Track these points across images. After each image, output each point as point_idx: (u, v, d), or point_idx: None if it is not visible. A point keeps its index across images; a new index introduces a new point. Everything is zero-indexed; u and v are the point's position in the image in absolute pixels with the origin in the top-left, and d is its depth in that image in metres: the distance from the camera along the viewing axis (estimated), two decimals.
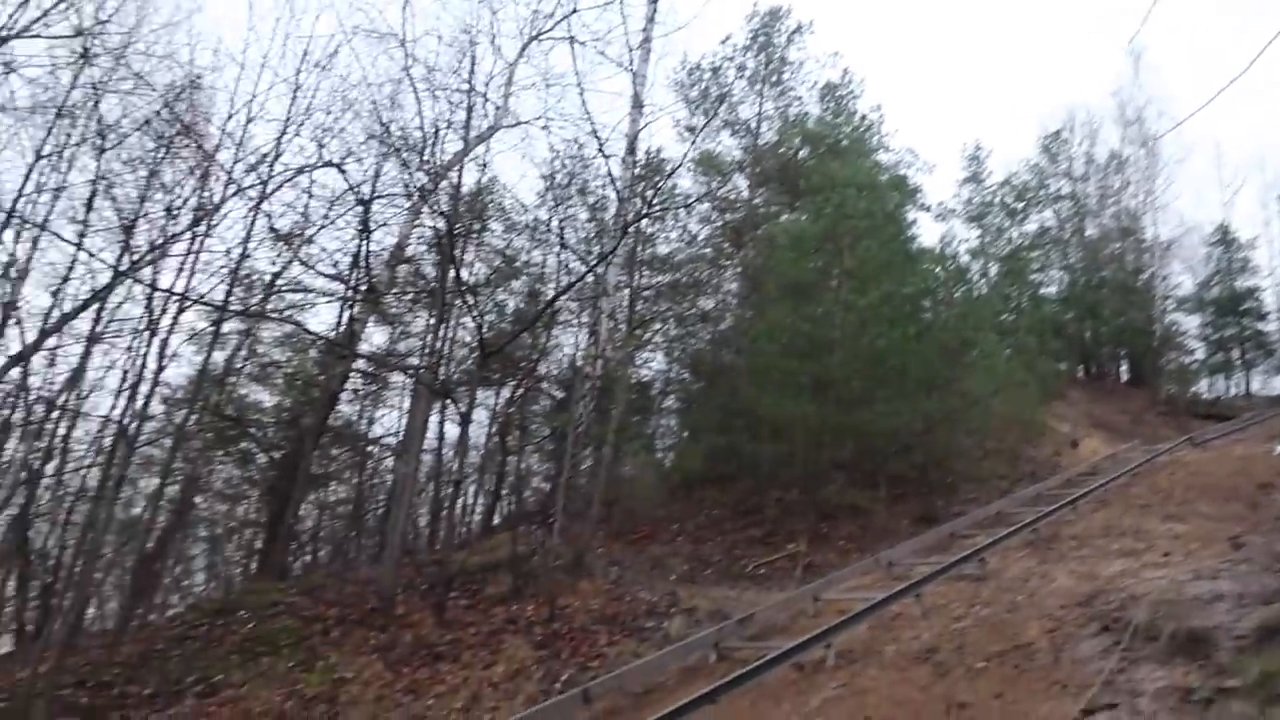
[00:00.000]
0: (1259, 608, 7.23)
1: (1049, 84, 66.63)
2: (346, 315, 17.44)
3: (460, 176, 15.90)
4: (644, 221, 17.93)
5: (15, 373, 12.91)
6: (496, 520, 19.14)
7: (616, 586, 12.61)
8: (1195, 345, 38.68)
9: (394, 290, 18.49)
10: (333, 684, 9.80)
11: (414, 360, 18.63)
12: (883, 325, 16.60)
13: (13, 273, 12.71)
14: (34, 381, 13.65)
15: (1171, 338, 36.44)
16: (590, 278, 16.45)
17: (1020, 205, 35.82)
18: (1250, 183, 60.77)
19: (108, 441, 13.17)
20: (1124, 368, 36.21)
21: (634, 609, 11.75)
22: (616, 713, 8.64)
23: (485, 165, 18.33)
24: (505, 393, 20.05)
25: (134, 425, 12.12)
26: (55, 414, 13.70)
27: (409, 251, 18.08)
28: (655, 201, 17.12)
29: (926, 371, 17.12)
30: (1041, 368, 23.79)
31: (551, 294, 17.32)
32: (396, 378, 19.33)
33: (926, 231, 60.48)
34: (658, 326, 21.39)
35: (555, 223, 19.29)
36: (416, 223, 17.45)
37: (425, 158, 13.72)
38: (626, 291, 18.81)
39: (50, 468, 14.17)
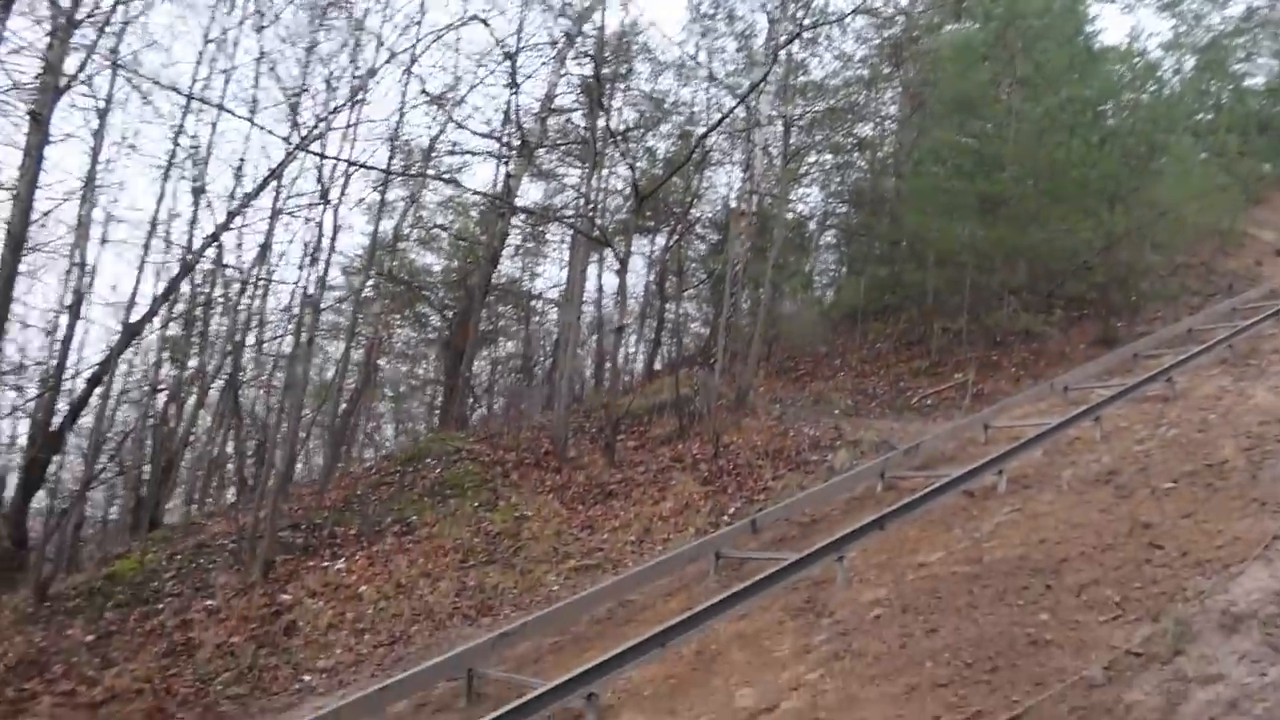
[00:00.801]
0: None
1: None
2: (502, 173, 17.72)
3: (603, 18, 15.51)
4: (796, 45, 17.02)
5: (211, 252, 13.98)
6: (658, 365, 19.58)
7: (779, 422, 12.75)
8: None
9: (546, 143, 18.56)
10: (514, 520, 10.55)
11: (570, 212, 18.84)
12: (1061, 134, 15.31)
13: (199, 155, 13.57)
14: (228, 259, 14.78)
15: None
16: (741, 111, 15.90)
17: None
18: None
19: (297, 310, 14.20)
20: None
21: (798, 443, 11.88)
22: (784, 540, 8.90)
23: (627, 4, 17.79)
24: (661, 239, 20.09)
25: (318, 293, 12.96)
26: (249, 287, 14.82)
27: (558, 103, 18.01)
28: (807, 22, 16.16)
29: (1110, 183, 15.78)
30: (1243, 169, 21.52)
31: (702, 132, 16.91)
32: (555, 231, 19.68)
33: (1111, 26, 54.80)
34: (814, 158, 20.61)
35: (703, 55, 18.63)
36: (564, 72, 17.28)
37: (568, 1, 13.44)
38: (780, 123, 18.07)
39: (250, 338, 15.48)
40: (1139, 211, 16.48)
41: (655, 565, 8.40)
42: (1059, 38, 16.47)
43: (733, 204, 18.61)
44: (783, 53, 16.21)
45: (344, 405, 16.45)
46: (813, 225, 21.94)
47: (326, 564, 9.91)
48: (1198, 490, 7.47)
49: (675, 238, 19.35)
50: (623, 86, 18.89)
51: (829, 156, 20.81)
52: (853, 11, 18.65)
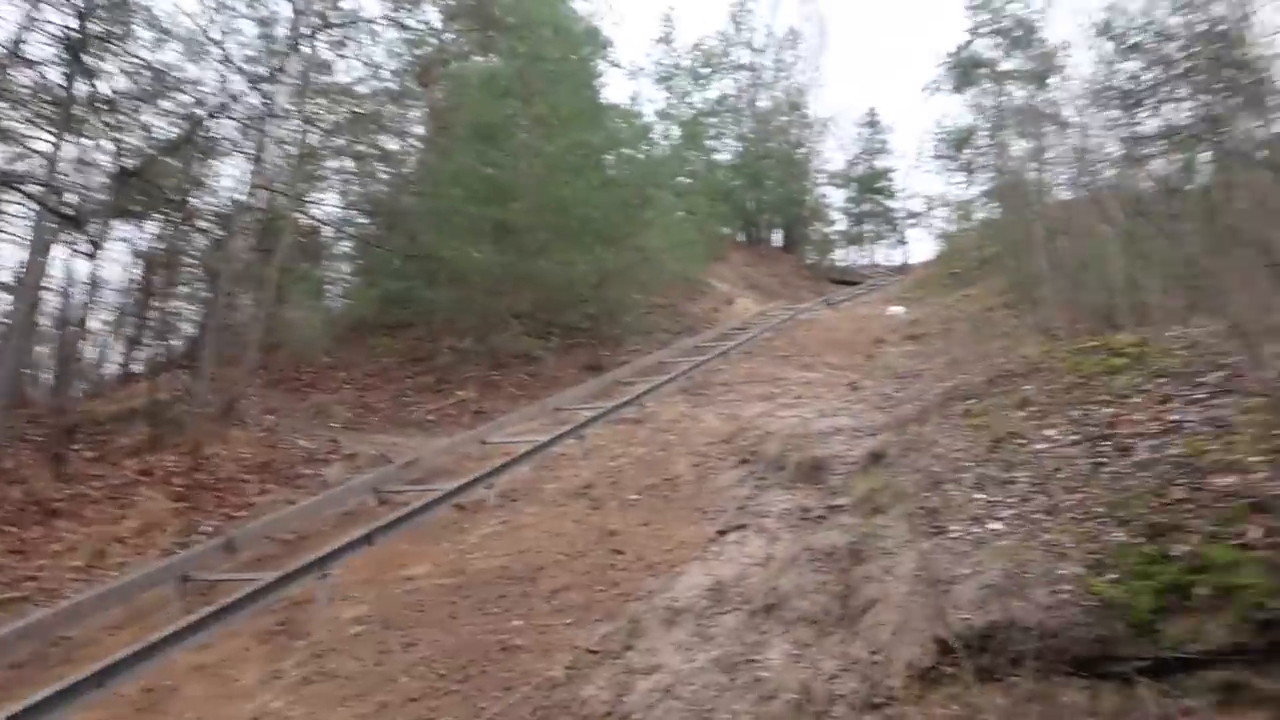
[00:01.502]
0: (867, 439, 8.26)
1: None
2: None
3: None
4: (322, 46, 16.23)
5: None
6: (139, 368, 17.27)
7: (271, 434, 11.92)
8: (837, 217, 43.15)
9: (6, 96, 15.43)
10: None
11: (34, 182, 15.85)
12: (568, 174, 16.58)
13: None
14: None
15: (819, 209, 40.29)
16: (256, 99, 14.71)
17: (706, 71, 37.12)
18: (899, 75, 67.71)
19: None
20: (778, 234, 39.39)
21: (290, 457, 11.20)
22: (264, 560, 8.25)
23: None
24: (154, 227, 17.79)
25: None
26: None
27: (30, 53, 15.08)
28: (334, 20, 15.52)
29: (606, 224, 17.45)
30: (709, 230, 25.25)
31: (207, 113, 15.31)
32: (14, 203, 16.41)
33: (616, 88, 61.10)
34: (334, 163, 19.85)
35: (216, 33, 16.94)
36: (38, 16, 14.52)
37: None
38: (298, 119, 17.09)
39: None
40: (628, 254, 18.43)
41: (102, 594, 7.25)
42: (573, 85, 17.88)
43: (239, 198, 17.16)
44: (305, 47, 15.40)
45: None
46: (328, 232, 21.08)
47: None
48: (656, 501, 8.41)
49: (168, 227, 17.27)
50: (116, 49, 16.46)
51: (349, 163, 20.21)
52: (383, 18, 18.38)
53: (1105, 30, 20.83)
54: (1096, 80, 20.34)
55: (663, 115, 35.18)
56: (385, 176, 21.32)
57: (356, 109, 19.71)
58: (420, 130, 22.36)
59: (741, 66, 38.20)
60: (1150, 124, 19.56)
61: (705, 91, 37.04)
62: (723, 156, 36.25)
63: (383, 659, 6.00)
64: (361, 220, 21.23)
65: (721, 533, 7.20)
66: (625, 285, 18.85)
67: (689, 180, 29.85)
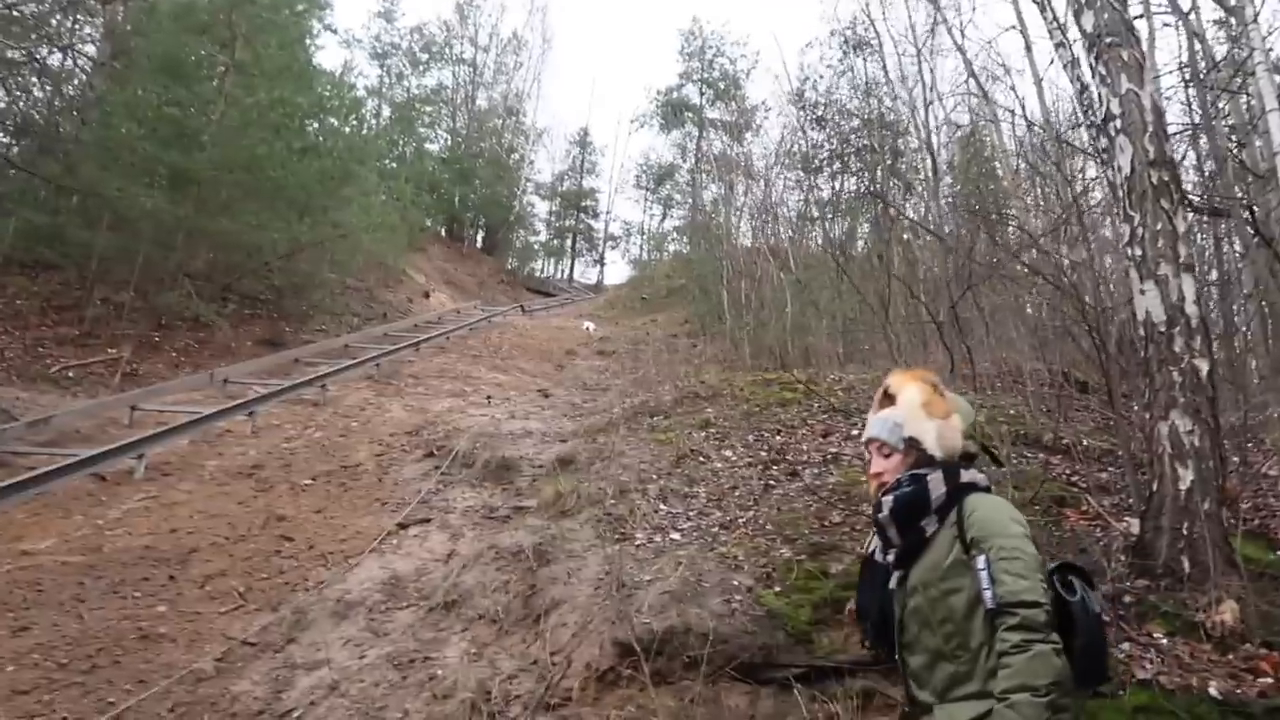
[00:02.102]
0: (557, 444, 8.38)
1: None
2: None
3: None
4: None
5: None
6: None
7: None
8: (541, 228, 43.94)
9: None
10: None
11: None
12: (266, 131, 15.31)
13: None
14: None
15: (525, 217, 40.76)
16: None
17: (425, 58, 36.26)
18: (613, 100, 70.71)
19: None
20: (481, 236, 39.32)
21: None
22: None
23: None
24: None
25: None
26: None
27: None
28: None
29: (303, 192, 16.34)
30: (412, 218, 24.55)
31: None
32: None
33: (330, 55, 57.94)
34: None
35: None
36: None
37: None
38: None
39: None
40: (324, 228, 17.40)
41: None
42: (282, 38, 16.59)
43: None
44: None
45: None
46: None
47: None
48: (332, 488, 7.96)
49: None
50: None
51: None
52: None
53: (798, 99, 23.09)
54: (785, 142, 22.50)
55: (374, 93, 33.91)
56: (41, 94, 18.52)
57: (13, 7, 16.98)
58: (92, 50, 19.70)
59: (462, 60, 37.79)
60: (826, 188, 21.96)
61: (422, 78, 36.19)
62: (433, 147, 35.58)
63: None
64: (3, 138, 18.26)
65: (402, 525, 6.96)
66: (317, 260, 17.79)
67: (395, 164, 28.94)
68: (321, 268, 18.04)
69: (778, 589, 4.66)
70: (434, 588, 5.81)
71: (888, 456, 2.68)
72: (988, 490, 2.57)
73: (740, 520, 5.56)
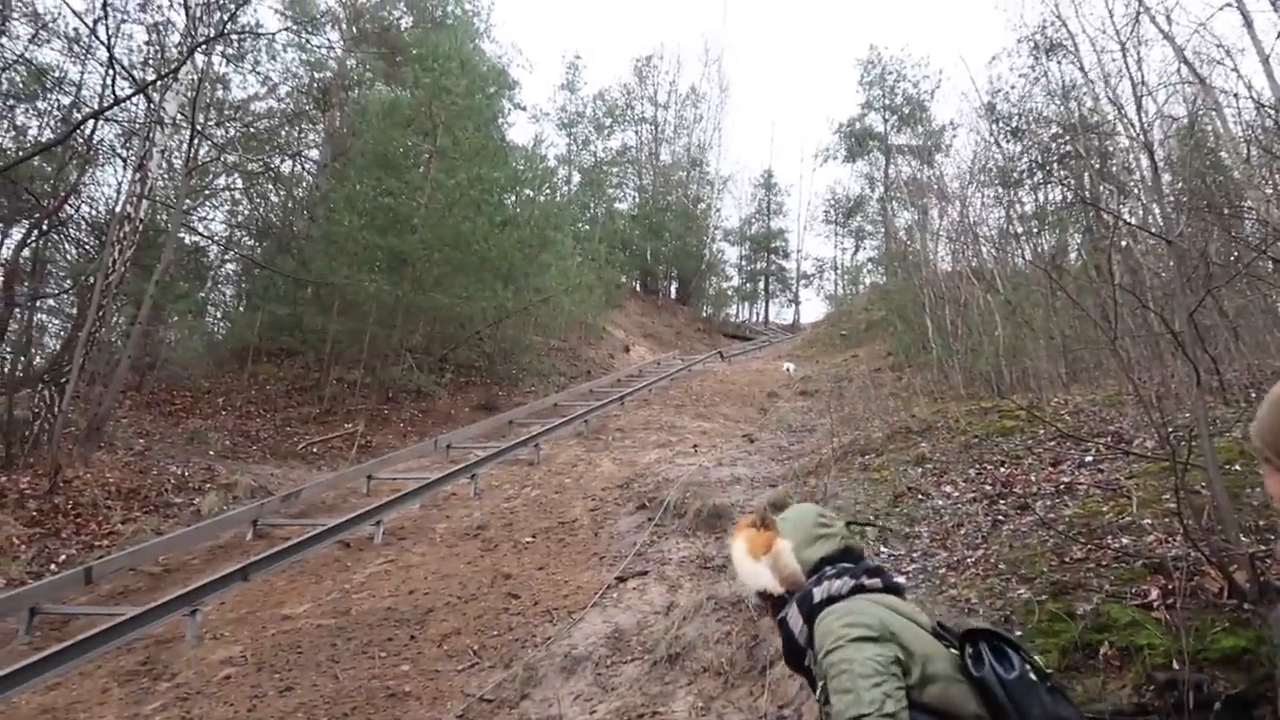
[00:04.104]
0: (766, 488, 8.27)
1: (649, 8, 70.31)
2: None
3: None
4: (218, 59, 15.61)
5: None
6: None
7: (141, 459, 11.16)
8: (732, 273, 44.14)
9: None
10: None
11: None
12: (468, 209, 16.35)
13: None
14: None
15: (716, 264, 41.08)
16: (141, 102, 13.98)
17: (608, 121, 37.59)
18: (794, 138, 70.51)
19: None
20: (674, 286, 39.99)
21: (160, 483, 10.48)
22: (126, 593, 7.64)
23: None
24: (18, 232, 16.65)
25: None
26: None
27: None
28: (230, 30, 14.96)
29: (505, 263, 17.27)
30: (607, 276, 25.37)
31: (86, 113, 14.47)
32: None
33: (520, 131, 61.34)
34: (223, 181, 19.09)
35: (102, 33, 16.14)
36: None
37: None
38: (187, 130, 16.38)
39: None
40: (526, 294, 18.28)
41: None
42: (477, 120, 17.74)
43: (118, 209, 16.24)
44: (200, 57, 14.80)
45: None
46: (214, 251, 20.19)
47: None
48: (551, 544, 8.19)
49: (36, 233, 16.19)
50: None
51: (239, 182, 19.49)
52: (281, 29, 17.88)
53: (989, 112, 22.09)
54: (979, 159, 21.53)
55: (564, 160, 35.47)
56: (276, 199, 20.65)
57: (250, 125, 19.09)
58: (316, 154, 21.81)
59: (643, 119, 38.90)
60: (1028, 202, 20.79)
61: (607, 140, 37.54)
62: (622, 206, 36.74)
63: (256, 704, 5.57)
64: (249, 241, 20.46)
65: (621, 579, 7.04)
66: (522, 325, 18.67)
67: (588, 226, 30.05)
68: (527, 332, 18.91)
69: (1018, 634, 4.32)
70: (656, 640, 5.82)
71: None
72: (850, 594, 2.26)
73: (969, 560, 5.23)
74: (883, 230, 35.84)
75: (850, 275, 42.31)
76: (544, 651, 5.97)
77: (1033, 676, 2.08)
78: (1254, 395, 7.50)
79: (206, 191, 18.54)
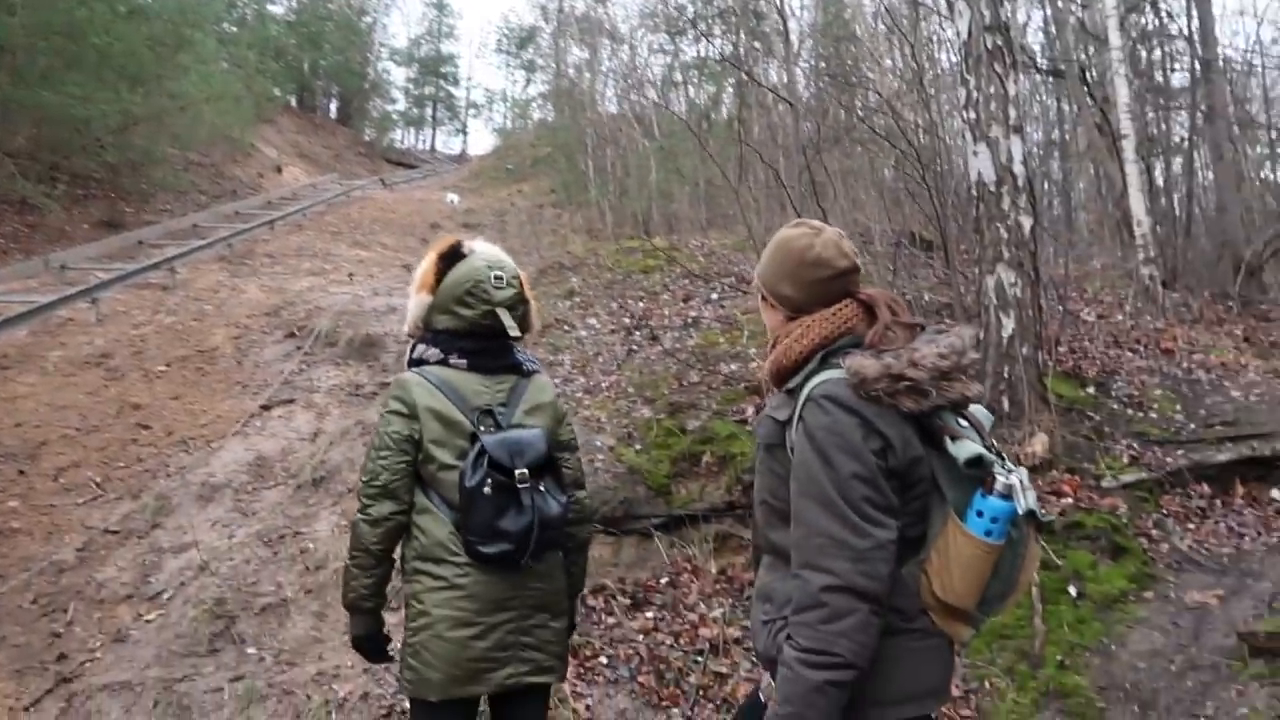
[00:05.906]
0: None
1: None
2: None
3: None
4: None
5: None
6: None
7: None
8: (398, 96, 41.96)
9: None
10: None
11: None
12: None
13: None
14: None
15: (381, 85, 38.80)
16: None
17: None
18: None
19: None
20: (334, 105, 37.30)
21: None
22: None
23: None
24: None
25: None
26: None
27: None
28: None
29: (133, 60, 15.05)
30: (258, 87, 23.06)
31: None
32: None
33: None
34: None
35: None
36: None
37: None
38: None
39: None
40: (159, 99, 16.19)
41: None
42: None
43: None
44: None
45: None
46: None
47: None
48: (189, 373, 7.73)
49: None
50: None
51: None
52: None
53: None
54: (650, 3, 21.99)
55: None
56: None
57: None
58: None
59: None
60: (689, 53, 21.70)
61: None
62: (276, 10, 33.01)
63: None
64: None
65: (265, 407, 6.87)
66: (155, 135, 16.58)
67: (235, 29, 26.86)
68: (160, 143, 16.84)
69: (638, 447, 4.89)
70: (301, 466, 5.83)
71: None
72: (436, 364, 2.38)
73: (603, 385, 5.74)
74: (554, 66, 35.64)
75: (520, 109, 41.82)
76: (178, 481, 5.76)
77: (487, 490, 2.19)
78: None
79: None
